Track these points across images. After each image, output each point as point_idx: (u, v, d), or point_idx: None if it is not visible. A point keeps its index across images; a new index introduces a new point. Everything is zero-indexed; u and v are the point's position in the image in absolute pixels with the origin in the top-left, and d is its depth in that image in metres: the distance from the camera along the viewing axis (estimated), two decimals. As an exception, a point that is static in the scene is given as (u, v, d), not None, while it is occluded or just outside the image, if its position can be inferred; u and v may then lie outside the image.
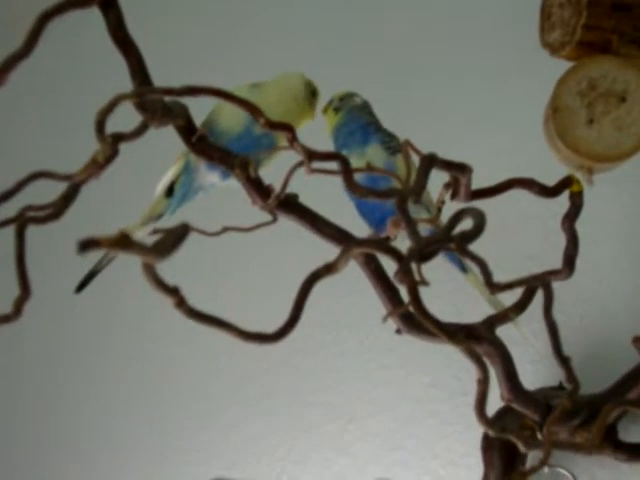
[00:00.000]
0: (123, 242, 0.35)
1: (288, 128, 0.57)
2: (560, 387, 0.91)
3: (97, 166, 0.51)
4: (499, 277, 0.62)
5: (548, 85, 0.68)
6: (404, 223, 0.54)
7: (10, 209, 0.60)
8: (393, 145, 0.74)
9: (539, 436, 0.78)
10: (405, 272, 0.49)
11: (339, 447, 1.01)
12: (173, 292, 0.44)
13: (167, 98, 0.62)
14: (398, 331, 0.67)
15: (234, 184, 0.71)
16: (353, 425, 1.01)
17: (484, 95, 0.99)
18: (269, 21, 1.20)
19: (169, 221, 0.76)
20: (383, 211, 0.70)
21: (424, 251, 0.51)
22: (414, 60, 1.04)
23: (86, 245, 0.34)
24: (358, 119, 0.77)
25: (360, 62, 1.07)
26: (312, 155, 0.56)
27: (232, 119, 0.72)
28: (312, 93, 0.77)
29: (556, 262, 0.69)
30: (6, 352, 1.26)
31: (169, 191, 0.76)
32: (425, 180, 0.57)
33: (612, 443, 0.81)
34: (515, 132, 0.93)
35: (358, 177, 0.71)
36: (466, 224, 0.56)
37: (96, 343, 1.21)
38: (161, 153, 0.75)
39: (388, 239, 0.70)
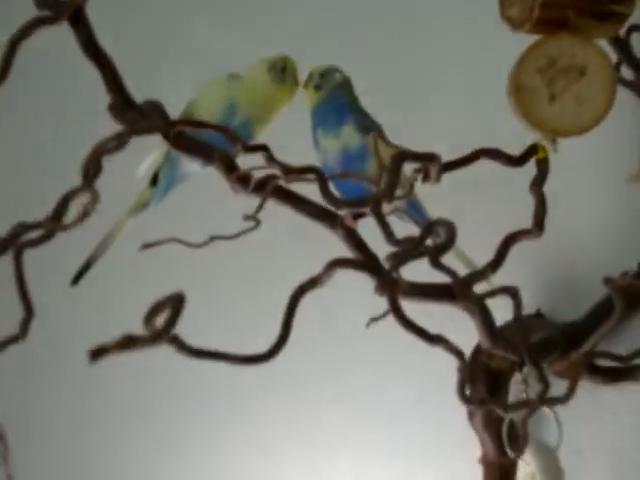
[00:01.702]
0: (129, 343, 0.39)
1: (264, 148, 0.60)
2: (538, 314, 0.96)
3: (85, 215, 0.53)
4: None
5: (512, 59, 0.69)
6: (380, 227, 0.58)
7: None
8: (366, 125, 0.76)
9: (520, 376, 0.84)
10: (385, 286, 0.53)
11: None
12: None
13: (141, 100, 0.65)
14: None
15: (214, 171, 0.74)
16: None
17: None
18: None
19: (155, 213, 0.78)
20: (361, 192, 0.73)
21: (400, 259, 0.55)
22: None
23: (96, 354, 0.38)
24: (337, 99, 0.78)
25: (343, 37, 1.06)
26: (288, 170, 0.59)
27: (210, 111, 0.74)
28: (282, 70, 0.78)
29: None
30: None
31: (153, 180, 0.78)
32: (397, 178, 0.61)
33: (589, 368, 0.87)
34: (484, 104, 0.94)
35: (334, 157, 0.76)
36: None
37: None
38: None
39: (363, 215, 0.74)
